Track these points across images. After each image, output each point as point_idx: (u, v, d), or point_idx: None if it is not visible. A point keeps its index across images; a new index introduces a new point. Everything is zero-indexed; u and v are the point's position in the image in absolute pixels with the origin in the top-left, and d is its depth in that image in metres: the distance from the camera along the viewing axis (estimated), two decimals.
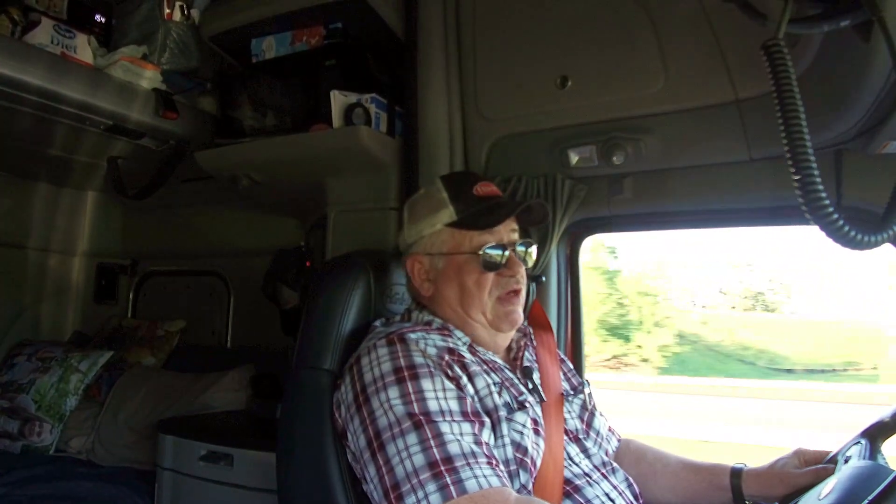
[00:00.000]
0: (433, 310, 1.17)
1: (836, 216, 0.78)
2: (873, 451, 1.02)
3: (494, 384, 1.03)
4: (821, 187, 0.78)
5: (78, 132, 2.03)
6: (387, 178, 1.72)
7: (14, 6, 1.72)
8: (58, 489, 1.91)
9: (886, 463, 0.98)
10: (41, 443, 2.25)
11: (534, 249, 1.21)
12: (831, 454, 1.09)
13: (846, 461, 1.02)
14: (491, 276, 1.12)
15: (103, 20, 1.94)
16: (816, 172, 0.79)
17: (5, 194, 2.67)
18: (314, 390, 1.11)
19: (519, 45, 1.60)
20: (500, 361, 1.14)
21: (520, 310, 1.16)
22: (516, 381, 1.12)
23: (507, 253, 1.13)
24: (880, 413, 1.07)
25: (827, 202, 0.78)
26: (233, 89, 1.96)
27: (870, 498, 0.69)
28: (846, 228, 0.78)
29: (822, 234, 0.80)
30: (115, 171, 2.37)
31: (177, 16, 1.90)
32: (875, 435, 1.05)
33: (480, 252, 1.11)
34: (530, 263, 1.20)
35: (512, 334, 1.20)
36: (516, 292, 1.14)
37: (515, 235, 1.17)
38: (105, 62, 1.85)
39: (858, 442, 1.05)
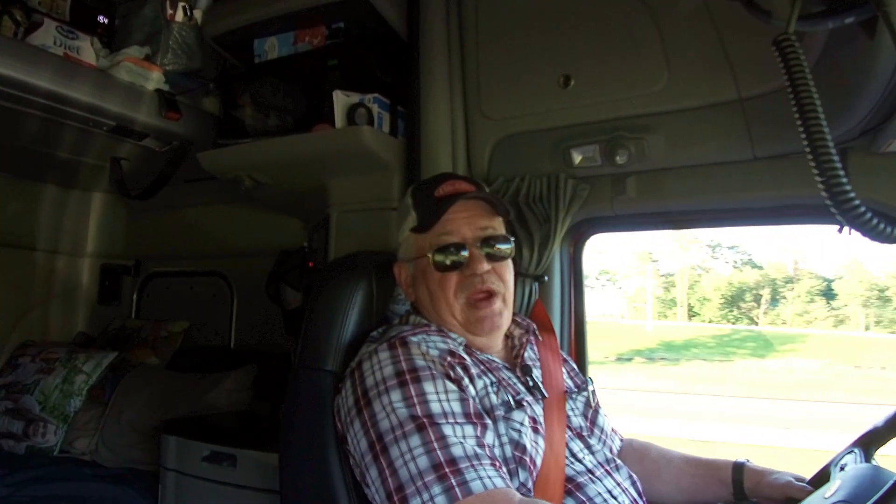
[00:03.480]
0: (423, 314, 1.18)
1: (863, 209, 0.77)
2: (867, 460, 1.02)
3: (491, 384, 1.04)
4: (846, 182, 0.77)
5: (82, 134, 2.04)
6: (389, 178, 1.72)
7: (16, 7, 1.72)
8: (62, 490, 1.91)
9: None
10: (45, 444, 2.25)
11: (506, 246, 1.15)
12: (824, 466, 1.09)
13: (841, 469, 1.01)
14: (452, 276, 1.11)
15: (106, 21, 1.94)
16: (840, 169, 0.78)
17: (14, 197, 2.68)
18: (316, 391, 1.11)
19: (521, 44, 1.60)
20: (497, 360, 1.14)
21: (499, 314, 1.12)
22: (514, 379, 1.12)
23: (465, 252, 1.11)
24: (873, 421, 1.07)
25: (853, 196, 0.77)
26: (235, 90, 1.96)
27: (878, 496, 0.69)
28: (874, 221, 0.77)
29: (852, 229, 0.80)
30: (117, 171, 2.38)
31: (179, 16, 1.90)
32: (868, 443, 1.05)
33: (429, 254, 1.11)
34: (503, 261, 1.15)
35: (500, 335, 1.18)
36: (487, 294, 1.11)
37: (485, 233, 1.13)
38: (108, 63, 1.86)
39: (851, 451, 1.05)
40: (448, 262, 1.11)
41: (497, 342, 1.19)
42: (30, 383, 2.37)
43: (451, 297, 1.11)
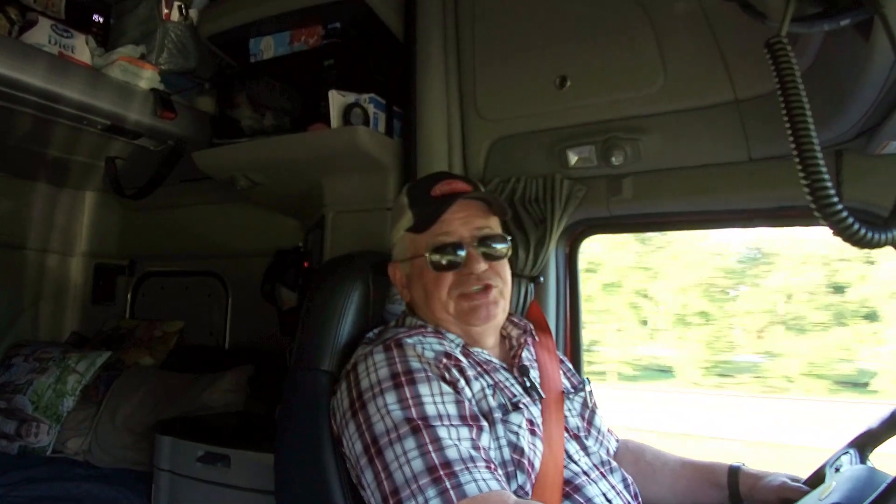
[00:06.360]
0: (418, 314, 1.17)
1: (845, 214, 0.77)
2: (863, 460, 1.03)
3: (488, 386, 1.03)
4: (829, 185, 0.77)
5: (76, 132, 2.03)
6: (385, 178, 1.71)
7: (11, 5, 1.71)
8: (55, 490, 1.90)
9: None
10: (38, 444, 2.24)
11: (503, 246, 1.15)
12: (819, 466, 1.09)
13: (837, 471, 1.02)
14: (448, 275, 1.10)
15: (101, 20, 1.93)
16: (825, 172, 0.78)
17: (4, 195, 2.66)
18: (312, 391, 1.11)
19: (518, 45, 1.60)
20: (495, 361, 1.14)
21: (494, 303, 1.12)
22: (512, 380, 1.11)
23: (462, 252, 1.10)
24: (868, 422, 1.07)
25: (836, 201, 0.77)
26: (231, 89, 1.95)
27: (872, 498, 0.69)
28: (856, 227, 0.77)
29: (832, 233, 0.80)
30: (112, 171, 2.37)
31: (175, 16, 1.89)
32: (864, 444, 1.06)
33: (426, 254, 1.10)
34: (500, 260, 1.14)
35: (495, 328, 1.17)
36: (485, 287, 1.10)
37: (482, 232, 1.13)
38: (103, 62, 1.84)
39: (847, 452, 1.05)
40: (445, 262, 1.10)
41: (493, 336, 1.17)
42: (23, 383, 2.35)
43: (445, 295, 1.10)
